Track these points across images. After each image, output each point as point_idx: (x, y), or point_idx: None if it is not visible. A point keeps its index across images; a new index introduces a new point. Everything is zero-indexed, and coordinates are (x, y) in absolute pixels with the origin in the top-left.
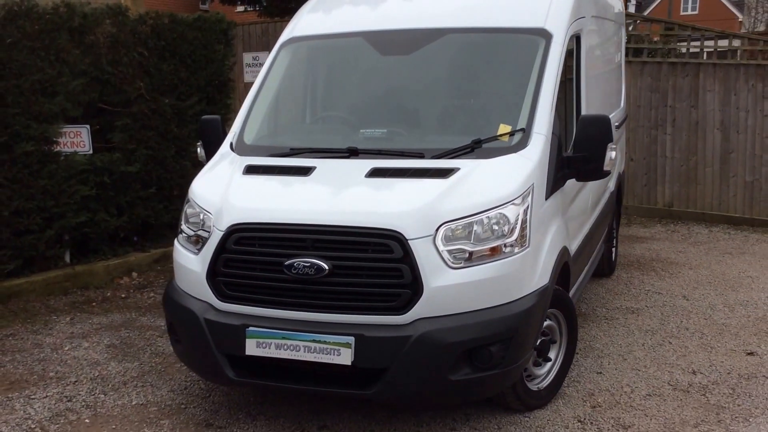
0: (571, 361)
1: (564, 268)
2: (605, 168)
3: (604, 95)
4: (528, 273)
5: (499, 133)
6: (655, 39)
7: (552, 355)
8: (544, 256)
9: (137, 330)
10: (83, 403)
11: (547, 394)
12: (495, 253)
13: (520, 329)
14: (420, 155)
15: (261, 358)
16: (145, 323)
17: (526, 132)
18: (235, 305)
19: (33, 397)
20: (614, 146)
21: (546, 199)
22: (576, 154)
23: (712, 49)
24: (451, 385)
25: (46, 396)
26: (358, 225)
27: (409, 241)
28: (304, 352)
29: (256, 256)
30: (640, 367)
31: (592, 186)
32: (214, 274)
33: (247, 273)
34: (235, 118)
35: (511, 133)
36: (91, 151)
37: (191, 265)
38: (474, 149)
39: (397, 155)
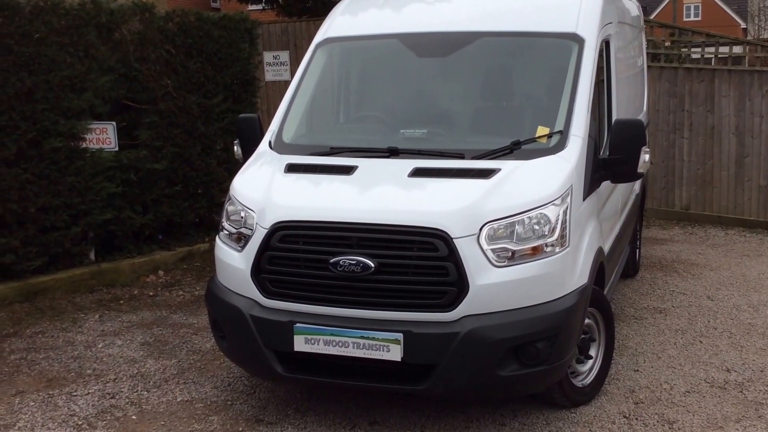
0: (610, 359)
1: (600, 268)
2: (639, 170)
3: (629, 99)
4: (569, 272)
5: (537, 135)
6: (667, 44)
7: (592, 352)
8: (582, 255)
9: (170, 328)
10: (127, 400)
11: (591, 391)
12: (537, 252)
13: (564, 326)
14: (460, 156)
15: (309, 354)
16: (177, 321)
17: (564, 134)
18: (281, 302)
19: (74, 394)
20: (647, 149)
21: (583, 200)
22: (611, 157)
23: (724, 56)
24: (501, 380)
25: (88, 393)
26: (403, 224)
27: (454, 240)
28: (353, 348)
29: (300, 254)
30: (675, 365)
31: (622, 188)
32: (258, 272)
33: (292, 270)
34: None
35: (549, 135)
36: (117, 148)
37: (235, 262)
38: (513, 150)
39: (437, 155)
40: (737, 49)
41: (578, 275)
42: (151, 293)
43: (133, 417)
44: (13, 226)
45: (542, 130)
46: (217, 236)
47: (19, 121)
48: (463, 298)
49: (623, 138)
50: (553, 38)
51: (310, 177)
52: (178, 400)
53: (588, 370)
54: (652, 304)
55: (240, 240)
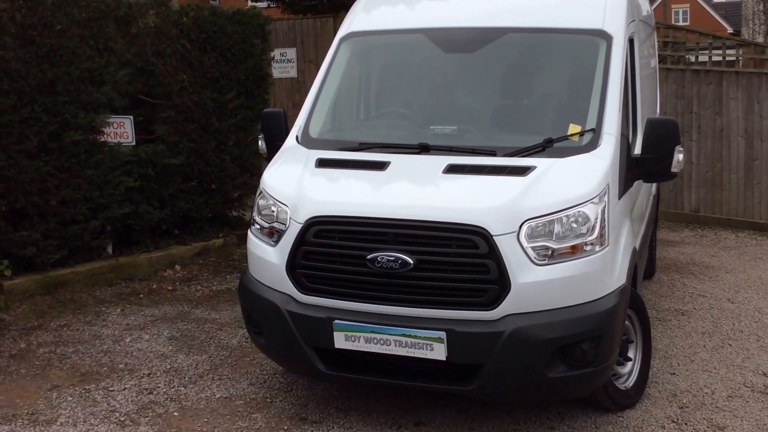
0: (649, 360)
1: (634, 268)
2: (672, 170)
3: (644, 100)
4: (609, 271)
5: (569, 133)
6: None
7: (631, 354)
8: (620, 255)
9: (194, 323)
10: (165, 396)
11: (635, 393)
12: (576, 251)
13: (608, 327)
14: (492, 153)
15: (351, 351)
16: (200, 316)
17: (597, 132)
18: (318, 298)
19: (111, 389)
20: (681, 148)
21: (619, 199)
22: (644, 156)
23: (731, 58)
24: (549, 382)
25: (125, 388)
26: (442, 220)
27: (494, 237)
28: (395, 346)
29: (336, 249)
30: (710, 368)
31: (645, 189)
32: (293, 267)
33: (328, 266)
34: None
35: (581, 133)
36: (134, 143)
37: (269, 256)
38: (545, 148)
39: (468, 152)
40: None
41: (617, 275)
42: (169, 288)
43: (175, 413)
44: (34, 218)
45: (574, 128)
46: (249, 230)
47: (40, 113)
48: (505, 296)
49: (657, 137)
50: (581, 35)
51: (343, 172)
52: (217, 396)
53: (628, 373)
54: (673, 306)
55: (272, 234)
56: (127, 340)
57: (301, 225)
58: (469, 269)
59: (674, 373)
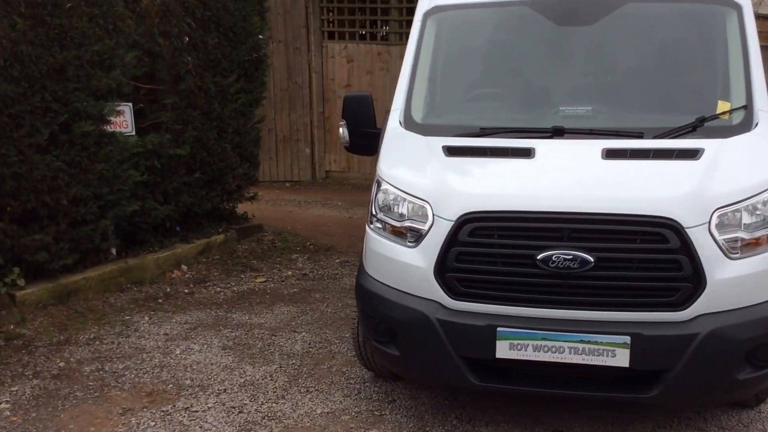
0: None
1: None
2: None
3: None
4: None
5: (719, 111)
6: None
7: None
8: None
9: (240, 329)
10: (259, 414)
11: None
12: (763, 241)
13: None
14: (639, 134)
15: (508, 361)
16: (240, 321)
17: (749, 109)
18: (474, 303)
19: (193, 409)
20: None
21: None
22: None
23: None
24: (737, 385)
25: (208, 407)
26: (626, 212)
27: (686, 230)
28: (570, 353)
29: (497, 249)
30: None
31: None
32: (443, 270)
33: (487, 268)
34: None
35: (731, 111)
36: (133, 132)
37: (408, 259)
38: (696, 128)
39: (612, 135)
40: None
41: None
42: (185, 291)
43: None
44: (44, 220)
45: (723, 106)
46: (368, 228)
47: (51, 102)
48: (700, 294)
49: None
50: (709, 4)
51: (484, 161)
52: (318, 412)
53: None
54: None
55: (408, 234)
56: (177, 352)
57: (452, 223)
58: (659, 266)
59: None
